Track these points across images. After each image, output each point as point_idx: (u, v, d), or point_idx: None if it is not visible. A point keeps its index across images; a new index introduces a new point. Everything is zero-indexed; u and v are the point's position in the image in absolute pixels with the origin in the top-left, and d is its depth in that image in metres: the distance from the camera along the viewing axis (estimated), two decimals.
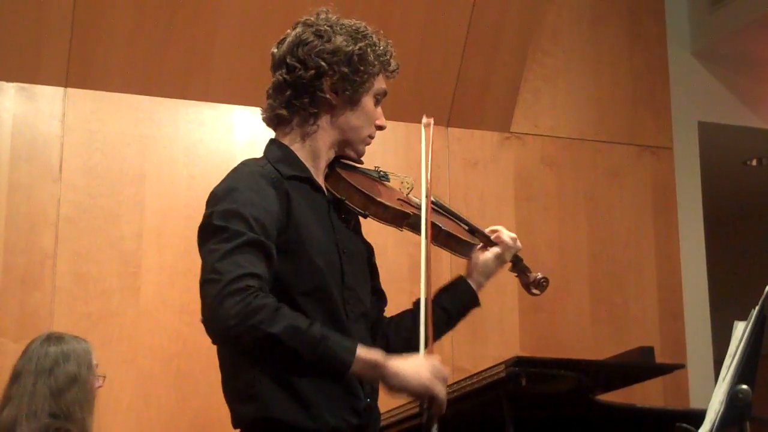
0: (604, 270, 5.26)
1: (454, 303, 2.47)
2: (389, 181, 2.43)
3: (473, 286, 2.50)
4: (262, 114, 2.35)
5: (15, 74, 4.48)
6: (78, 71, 4.52)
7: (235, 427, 2.22)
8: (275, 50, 2.33)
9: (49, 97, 4.52)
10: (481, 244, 2.51)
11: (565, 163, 5.31)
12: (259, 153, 2.32)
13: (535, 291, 2.58)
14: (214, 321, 1.99)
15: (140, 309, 4.43)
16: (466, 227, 2.51)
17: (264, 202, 2.13)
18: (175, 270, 4.46)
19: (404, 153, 4.64)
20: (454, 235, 2.45)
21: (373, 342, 2.31)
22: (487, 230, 2.53)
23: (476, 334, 4.79)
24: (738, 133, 5.93)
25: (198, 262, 2.24)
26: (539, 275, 2.57)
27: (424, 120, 2.44)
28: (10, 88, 4.49)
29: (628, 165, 5.43)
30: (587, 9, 5.52)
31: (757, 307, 2.19)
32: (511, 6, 5.07)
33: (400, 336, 2.42)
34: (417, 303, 2.45)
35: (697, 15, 5.75)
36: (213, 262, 2.04)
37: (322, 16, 2.33)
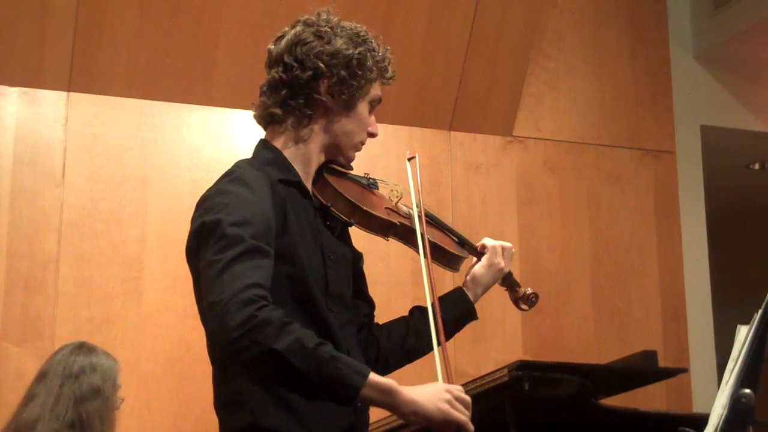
0: (606, 274, 5.25)
1: (450, 314, 2.40)
2: (378, 189, 2.39)
3: (470, 297, 2.46)
4: (254, 111, 2.34)
5: (18, 79, 4.49)
6: (81, 76, 4.52)
7: None
8: (272, 47, 2.30)
9: (51, 102, 4.52)
10: (470, 256, 2.47)
11: (568, 166, 5.31)
12: None
13: (523, 306, 2.55)
14: (218, 334, 1.92)
15: (143, 313, 4.43)
16: (456, 239, 2.46)
17: (260, 206, 2.08)
18: (177, 274, 4.45)
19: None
20: (442, 247, 2.39)
21: (362, 347, 2.29)
22: (477, 244, 2.49)
23: (479, 338, 4.78)
24: (741, 136, 5.93)
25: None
26: (529, 290, 2.53)
27: (408, 154, 2.42)
28: (13, 92, 4.49)
29: (630, 169, 5.43)
30: (589, 13, 5.52)
31: (760, 311, 2.18)
32: (513, 10, 5.07)
33: (391, 341, 2.38)
34: (413, 310, 2.45)
35: (699, 18, 5.75)
36: (215, 274, 1.95)
37: (323, 16, 2.29)
